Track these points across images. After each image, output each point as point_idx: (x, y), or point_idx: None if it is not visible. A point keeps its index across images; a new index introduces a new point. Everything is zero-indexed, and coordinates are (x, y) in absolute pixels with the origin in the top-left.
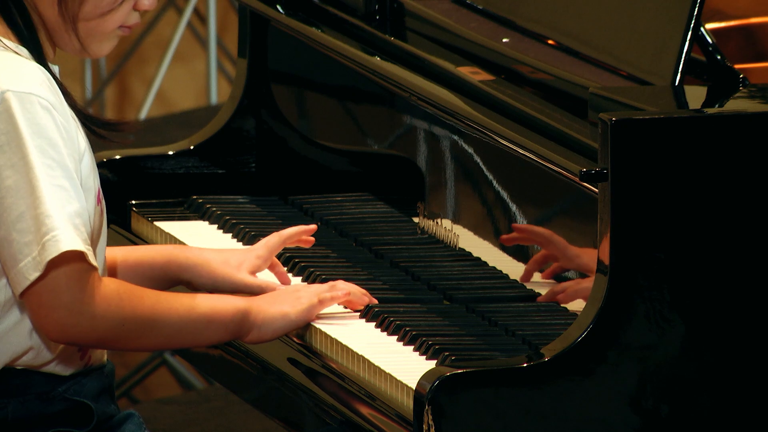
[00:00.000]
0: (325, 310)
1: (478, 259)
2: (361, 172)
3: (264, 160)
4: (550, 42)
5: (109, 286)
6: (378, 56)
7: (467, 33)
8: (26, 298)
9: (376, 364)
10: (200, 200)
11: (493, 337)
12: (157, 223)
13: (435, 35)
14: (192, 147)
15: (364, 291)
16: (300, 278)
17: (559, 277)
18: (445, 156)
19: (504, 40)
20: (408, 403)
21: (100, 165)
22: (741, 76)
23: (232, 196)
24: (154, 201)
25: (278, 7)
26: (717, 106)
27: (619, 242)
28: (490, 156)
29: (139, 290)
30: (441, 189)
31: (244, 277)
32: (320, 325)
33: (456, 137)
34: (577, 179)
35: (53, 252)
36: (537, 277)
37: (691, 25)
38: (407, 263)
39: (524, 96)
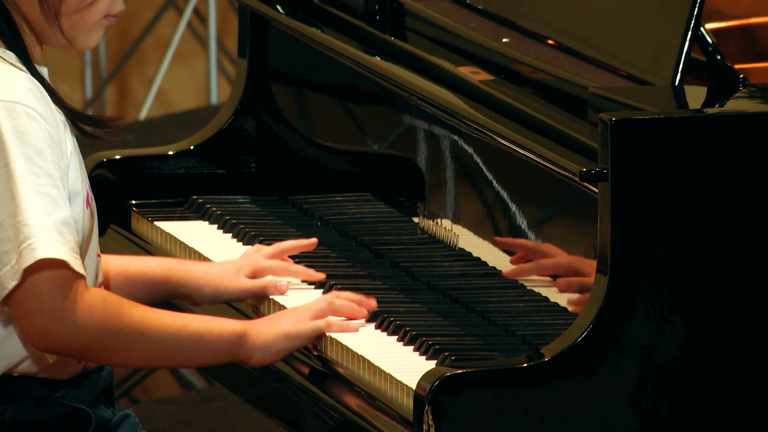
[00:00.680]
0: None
1: (478, 259)
2: (361, 172)
3: (264, 160)
4: (550, 42)
5: (94, 295)
6: (378, 56)
7: (467, 33)
8: (10, 306)
9: (376, 364)
10: (200, 200)
11: (493, 337)
12: (157, 223)
13: (435, 35)
14: (192, 147)
15: (363, 299)
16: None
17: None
18: (445, 156)
19: (504, 40)
20: (408, 403)
21: (100, 165)
22: (741, 76)
23: (232, 196)
24: (154, 201)
25: (278, 7)
26: (717, 106)
27: (619, 242)
28: (490, 156)
29: (128, 303)
30: (441, 189)
31: (242, 282)
32: None
33: (456, 137)
34: (577, 179)
35: (29, 260)
36: (530, 272)
37: (691, 25)
38: (407, 263)
39: (524, 96)
